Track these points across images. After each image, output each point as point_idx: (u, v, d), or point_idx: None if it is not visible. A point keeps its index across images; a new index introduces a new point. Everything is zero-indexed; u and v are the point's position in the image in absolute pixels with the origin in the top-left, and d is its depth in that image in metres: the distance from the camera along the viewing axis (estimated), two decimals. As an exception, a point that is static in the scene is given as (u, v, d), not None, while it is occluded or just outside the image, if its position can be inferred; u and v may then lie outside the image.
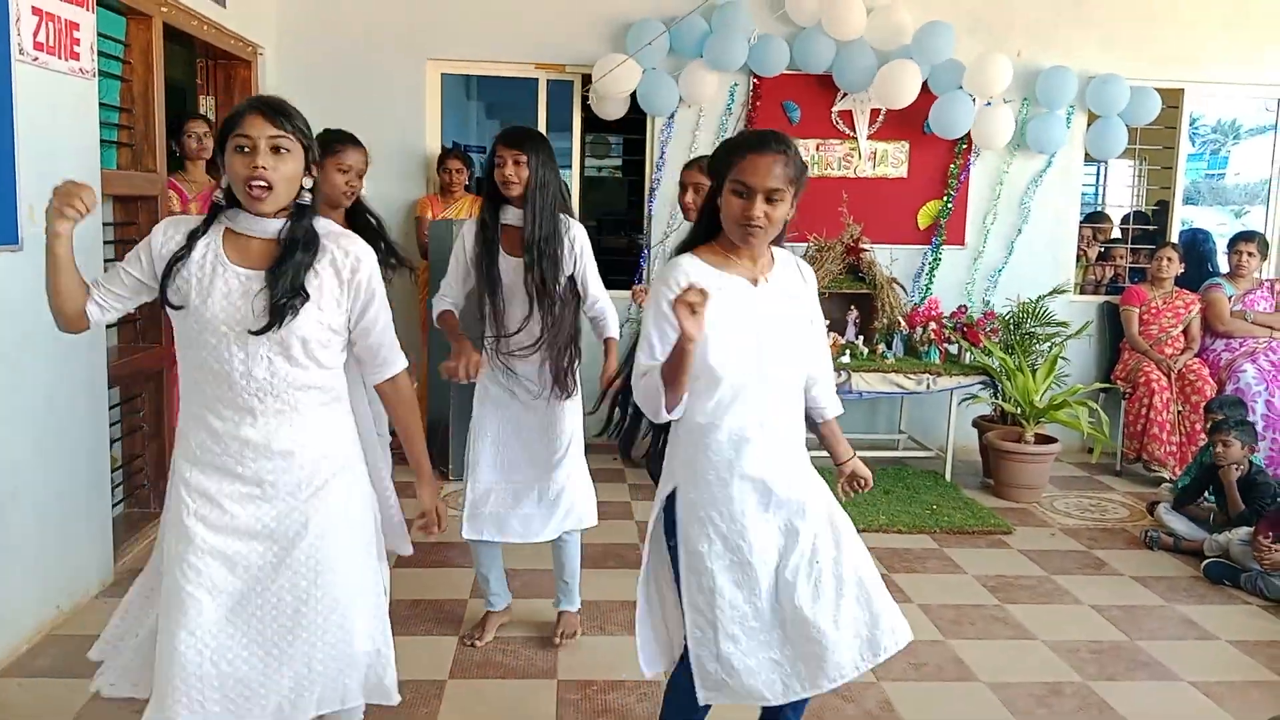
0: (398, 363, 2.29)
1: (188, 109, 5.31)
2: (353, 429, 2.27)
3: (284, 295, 2.04)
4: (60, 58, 3.44)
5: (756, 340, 2.22)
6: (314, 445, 2.15)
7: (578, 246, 3.24)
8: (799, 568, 2.23)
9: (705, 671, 2.24)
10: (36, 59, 3.29)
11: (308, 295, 2.08)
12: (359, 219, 3.36)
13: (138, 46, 4.28)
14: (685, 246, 2.31)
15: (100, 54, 3.81)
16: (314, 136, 2.16)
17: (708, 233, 2.29)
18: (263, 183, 2.03)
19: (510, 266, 3.19)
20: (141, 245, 2.16)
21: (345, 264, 2.15)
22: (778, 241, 2.34)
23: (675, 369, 2.09)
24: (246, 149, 2.03)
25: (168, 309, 2.12)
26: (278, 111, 2.07)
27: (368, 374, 2.29)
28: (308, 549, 2.12)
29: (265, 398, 2.09)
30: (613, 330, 3.41)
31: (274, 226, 2.10)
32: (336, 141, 3.25)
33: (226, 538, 2.10)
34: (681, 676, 2.31)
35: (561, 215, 3.20)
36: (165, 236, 2.13)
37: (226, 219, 2.13)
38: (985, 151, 6.24)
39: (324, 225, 2.18)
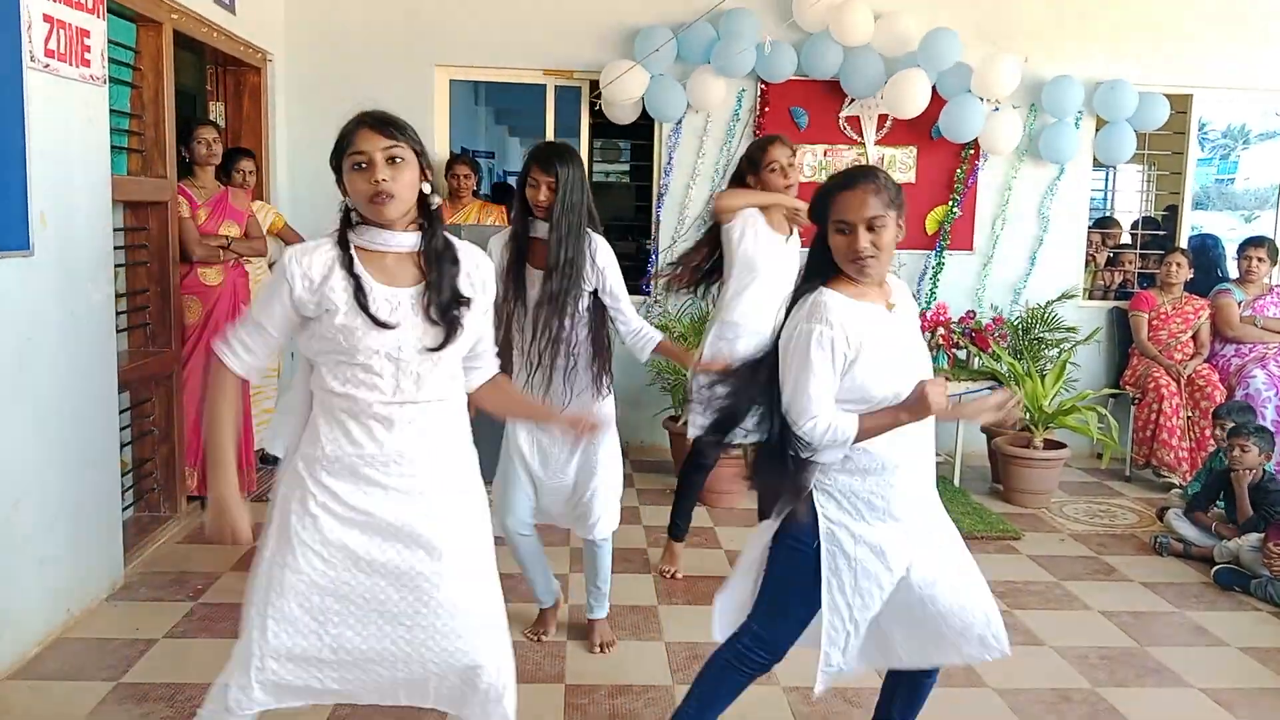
0: (496, 362, 2.38)
1: (197, 115, 5.34)
2: (470, 438, 2.29)
3: (450, 308, 2.10)
4: (71, 64, 3.46)
5: (907, 364, 2.31)
6: (445, 454, 2.19)
7: (599, 261, 3.24)
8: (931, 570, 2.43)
9: (829, 664, 2.46)
10: (48, 66, 3.31)
11: (469, 303, 2.13)
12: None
13: (148, 53, 4.31)
14: (806, 282, 2.35)
15: (111, 61, 3.83)
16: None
17: (818, 270, 2.33)
18: (387, 193, 2.05)
19: (537, 279, 3.22)
20: (274, 287, 2.09)
21: (478, 274, 2.20)
22: None
23: (883, 428, 2.26)
24: (364, 165, 2.06)
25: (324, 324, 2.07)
26: (387, 123, 2.10)
27: (473, 378, 2.32)
28: (436, 555, 2.14)
29: (406, 407, 2.10)
30: (655, 334, 3.41)
31: (410, 240, 2.12)
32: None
33: (353, 533, 2.11)
34: (728, 658, 2.53)
35: (587, 232, 3.21)
36: (303, 267, 2.07)
37: (355, 236, 2.11)
38: (993, 157, 6.24)
39: (450, 236, 2.20)
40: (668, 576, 4.17)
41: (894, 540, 2.38)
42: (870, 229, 2.22)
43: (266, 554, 2.16)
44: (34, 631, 3.34)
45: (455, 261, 2.14)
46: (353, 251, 2.09)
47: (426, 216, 2.15)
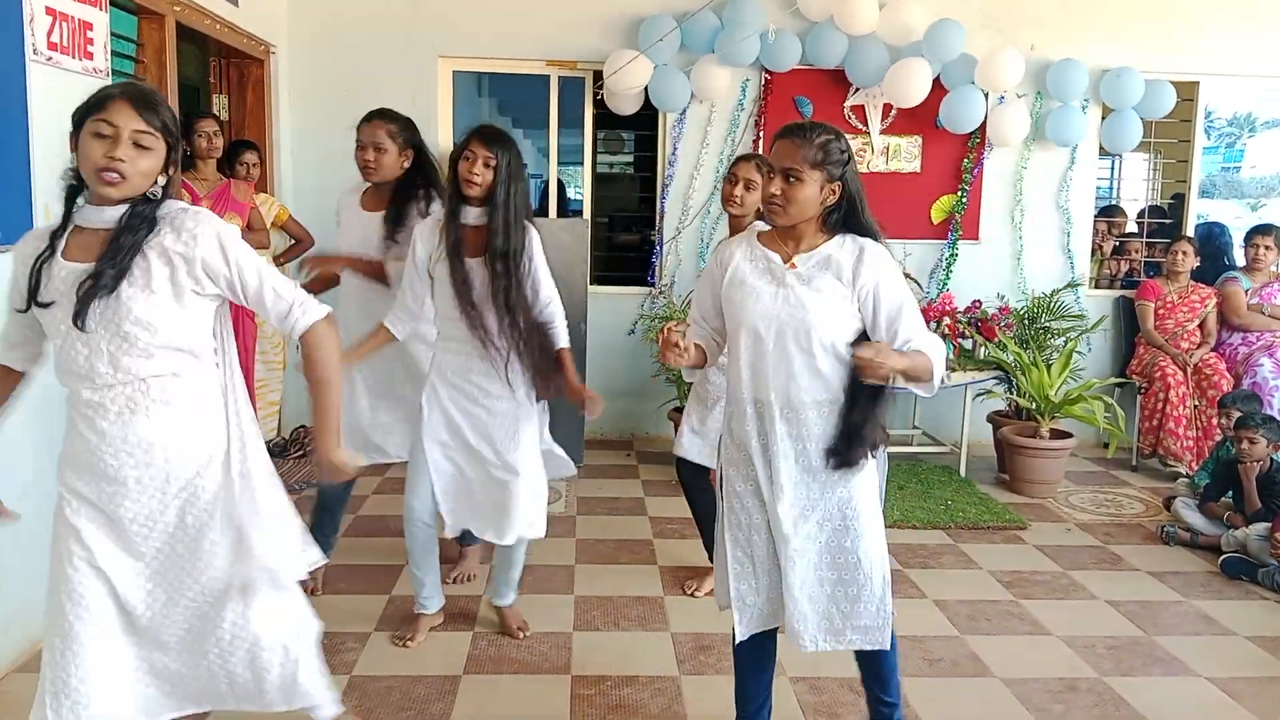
0: (308, 314, 2.19)
1: (200, 108, 5.33)
2: (222, 419, 2.20)
3: (96, 280, 1.99)
4: (74, 57, 3.45)
5: (776, 316, 2.39)
6: (176, 437, 2.12)
7: (529, 250, 3.17)
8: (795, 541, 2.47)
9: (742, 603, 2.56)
10: (50, 59, 3.30)
11: (122, 275, 2.01)
12: (401, 192, 3.56)
13: (151, 46, 4.30)
14: None
15: (114, 53, 3.82)
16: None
17: None
18: (115, 174, 1.99)
19: (475, 268, 3.13)
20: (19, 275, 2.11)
21: (178, 243, 2.06)
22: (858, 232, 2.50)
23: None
24: (107, 135, 1.99)
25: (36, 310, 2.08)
26: (146, 104, 2.02)
27: (282, 329, 2.21)
28: (181, 545, 2.15)
29: (112, 390, 2.07)
30: (563, 340, 3.29)
31: (112, 215, 2.04)
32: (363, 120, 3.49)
33: (103, 536, 2.14)
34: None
35: (525, 224, 3.16)
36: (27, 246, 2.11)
37: (76, 215, 2.09)
38: (999, 146, 6.21)
39: (169, 206, 2.10)
40: (688, 592, 3.96)
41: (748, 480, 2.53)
42: (786, 179, 2.34)
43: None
44: (40, 625, 3.34)
45: (135, 234, 2.03)
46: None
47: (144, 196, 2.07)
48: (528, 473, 3.25)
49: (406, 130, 3.54)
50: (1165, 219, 7.00)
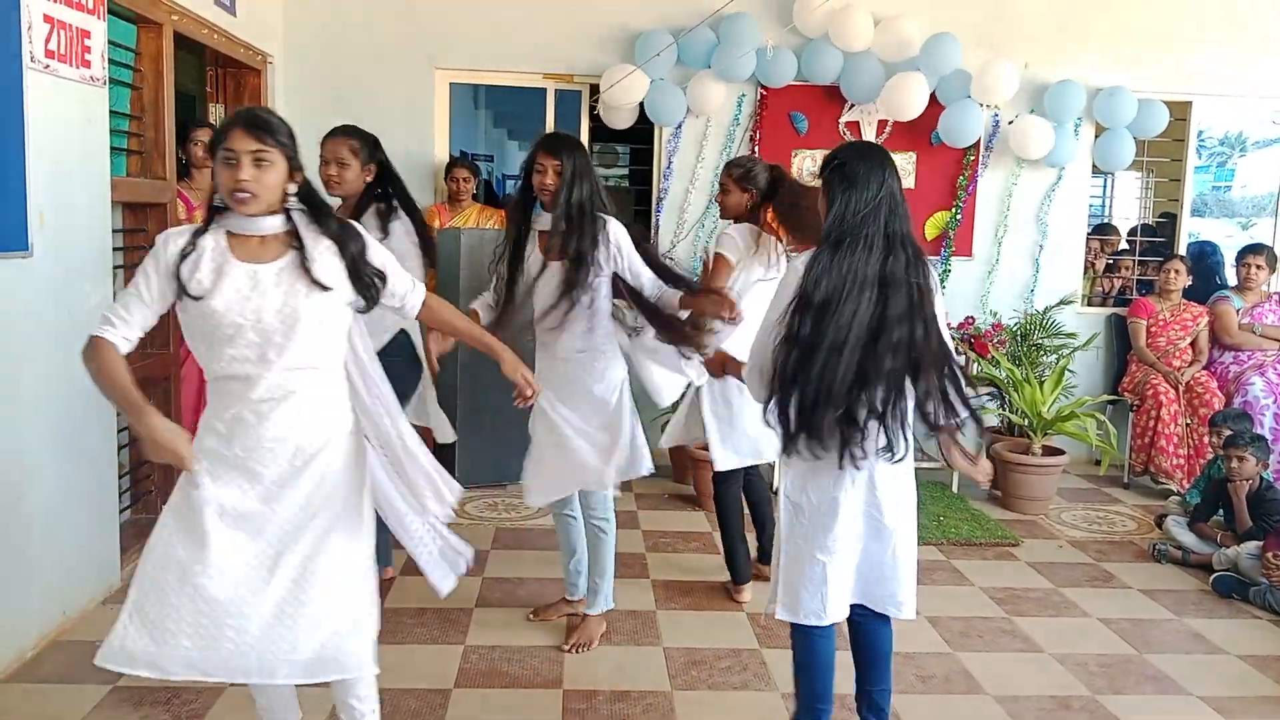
0: (418, 290, 2.56)
1: (197, 117, 5.33)
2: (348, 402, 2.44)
3: (294, 277, 2.27)
4: (71, 65, 3.45)
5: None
6: (311, 420, 2.31)
7: (613, 243, 3.29)
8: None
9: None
10: (48, 67, 3.30)
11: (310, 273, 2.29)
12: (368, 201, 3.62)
13: (148, 54, 4.30)
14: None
15: (111, 62, 3.82)
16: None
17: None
18: (245, 194, 2.23)
19: (538, 262, 3.31)
20: (148, 262, 2.29)
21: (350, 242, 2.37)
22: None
23: None
24: (233, 162, 2.23)
25: (183, 301, 2.26)
26: (257, 126, 2.24)
27: (402, 309, 2.53)
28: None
29: (274, 377, 2.26)
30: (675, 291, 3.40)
31: (269, 224, 2.30)
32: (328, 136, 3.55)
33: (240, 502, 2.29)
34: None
35: (599, 216, 3.27)
36: (172, 244, 2.28)
37: (226, 224, 2.30)
38: (994, 163, 6.24)
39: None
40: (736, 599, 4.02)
41: None
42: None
43: None
44: (30, 634, 3.33)
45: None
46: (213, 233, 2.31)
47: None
48: (625, 429, 3.41)
49: (368, 146, 3.61)
50: (1154, 237, 7.02)
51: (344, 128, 3.61)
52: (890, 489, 2.57)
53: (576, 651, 3.50)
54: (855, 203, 2.45)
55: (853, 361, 2.40)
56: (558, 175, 3.21)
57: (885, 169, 2.49)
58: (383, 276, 2.42)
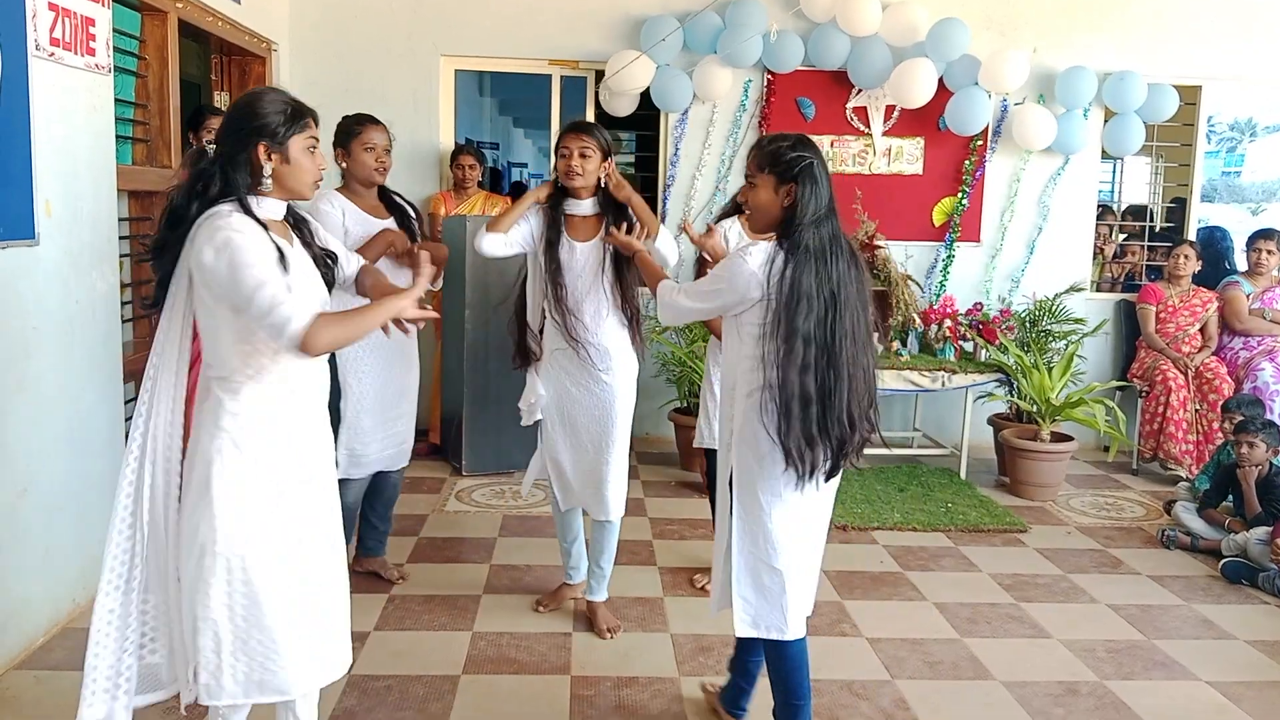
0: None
1: (203, 104, 5.32)
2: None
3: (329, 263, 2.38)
4: (76, 53, 3.44)
5: None
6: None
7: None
8: None
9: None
10: (53, 55, 3.30)
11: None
12: (390, 199, 3.67)
13: (153, 42, 4.29)
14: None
15: (116, 50, 3.81)
16: (299, 117, 2.20)
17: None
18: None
19: (577, 249, 3.34)
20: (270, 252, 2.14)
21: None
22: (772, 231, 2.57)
23: None
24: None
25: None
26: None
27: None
28: None
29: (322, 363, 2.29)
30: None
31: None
32: (356, 123, 3.54)
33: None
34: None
35: None
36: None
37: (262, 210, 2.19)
38: (1002, 148, 6.21)
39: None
40: (699, 586, 4.02)
41: None
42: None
43: None
44: (40, 621, 3.34)
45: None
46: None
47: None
48: (621, 453, 3.46)
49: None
50: (1152, 222, 6.99)
51: (371, 116, 3.66)
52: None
53: (613, 635, 3.53)
54: (820, 202, 2.47)
55: (856, 366, 2.46)
56: (583, 158, 3.24)
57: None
58: (334, 255, 2.40)
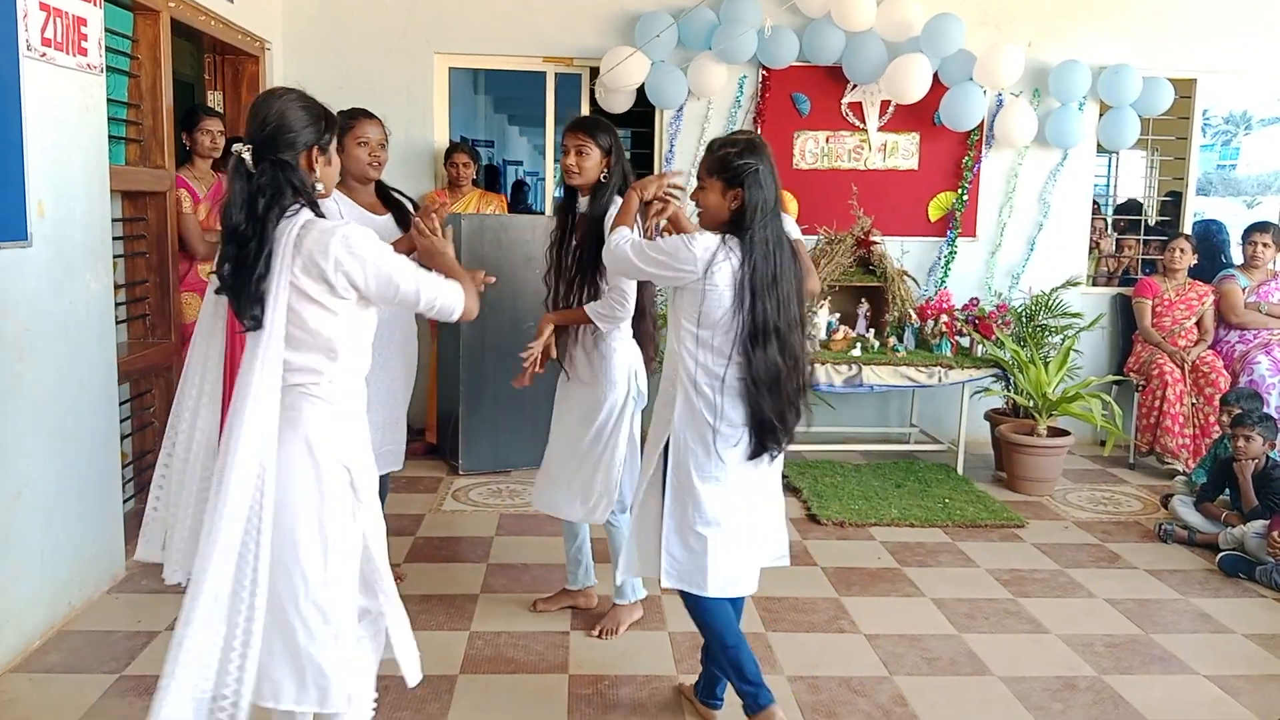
0: None
1: (196, 104, 5.30)
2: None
3: None
4: (68, 53, 3.43)
5: None
6: None
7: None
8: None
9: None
10: (44, 55, 3.28)
11: None
12: (388, 195, 3.63)
13: (145, 42, 4.28)
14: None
15: (108, 49, 3.79)
16: (328, 117, 2.24)
17: None
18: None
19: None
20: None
21: None
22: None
23: None
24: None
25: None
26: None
27: None
28: None
29: None
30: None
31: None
32: (350, 117, 3.45)
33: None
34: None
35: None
36: None
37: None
38: (998, 143, 6.20)
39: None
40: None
41: None
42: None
43: None
44: (35, 624, 3.33)
45: None
46: None
47: None
48: (599, 458, 3.36)
49: None
50: (1134, 216, 6.99)
51: (365, 110, 3.62)
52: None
53: (603, 636, 3.50)
54: (766, 205, 2.60)
55: (792, 355, 2.63)
56: (580, 155, 3.23)
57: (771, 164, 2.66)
58: None
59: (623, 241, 2.78)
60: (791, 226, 3.31)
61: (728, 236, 2.61)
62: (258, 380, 2.06)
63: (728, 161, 2.62)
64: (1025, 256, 6.38)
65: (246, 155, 2.12)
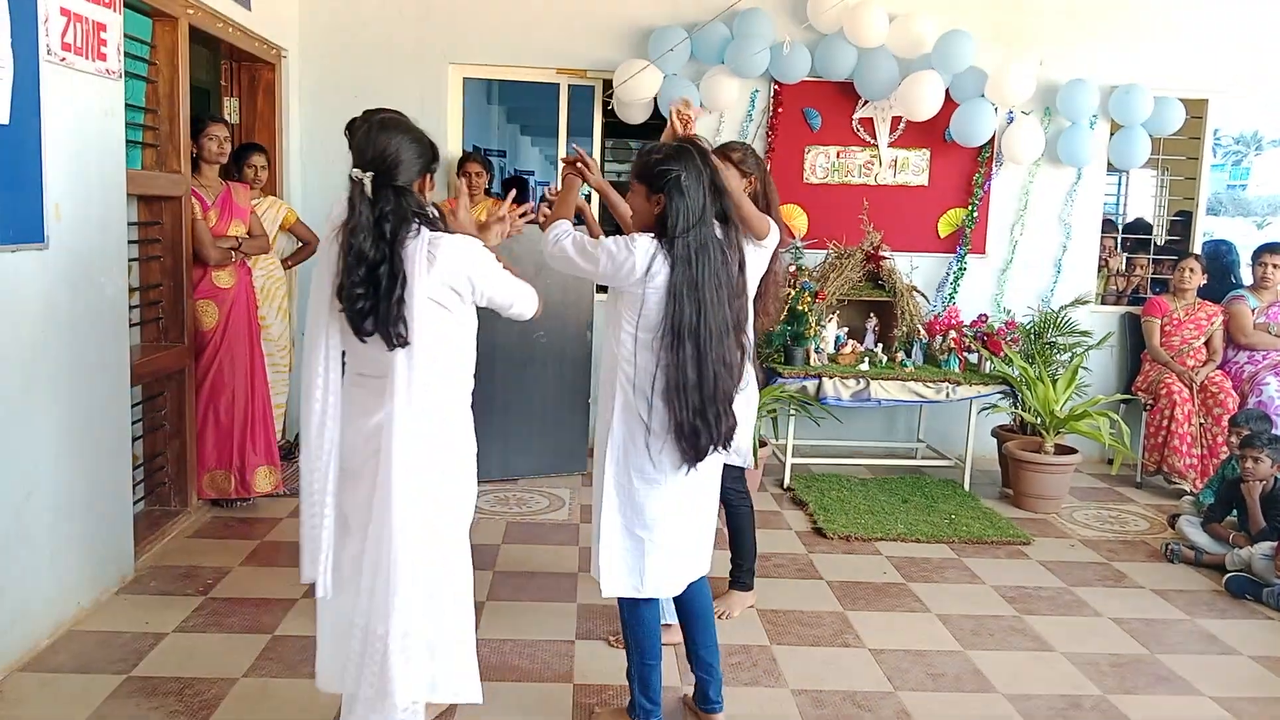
0: None
1: (211, 111, 5.34)
2: None
3: None
4: (87, 58, 3.47)
5: None
6: None
7: None
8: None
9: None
10: (64, 60, 3.32)
11: None
12: None
13: (163, 48, 4.31)
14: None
15: (127, 55, 3.84)
16: (433, 146, 2.42)
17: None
18: None
19: None
20: None
21: None
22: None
23: None
24: None
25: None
26: None
27: None
28: None
29: None
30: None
31: None
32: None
33: None
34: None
35: None
36: None
37: None
38: (1009, 161, 6.21)
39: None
40: (721, 617, 3.69)
41: None
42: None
43: None
44: (44, 624, 3.35)
45: None
46: None
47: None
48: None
49: None
50: (1144, 235, 6.99)
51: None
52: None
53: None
54: (689, 212, 2.61)
55: (720, 362, 2.65)
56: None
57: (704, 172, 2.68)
58: None
59: (563, 236, 2.81)
60: (773, 237, 3.31)
61: (661, 240, 2.65)
62: (408, 389, 2.28)
63: (650, 167, 2.65)
64: (1034, 273, 6.38)
65: (367, 181, 2.26)
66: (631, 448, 2.71)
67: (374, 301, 2.25)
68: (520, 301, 2.54)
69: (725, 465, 3.10)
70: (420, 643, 2.35)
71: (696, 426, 2.63)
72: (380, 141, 2.29)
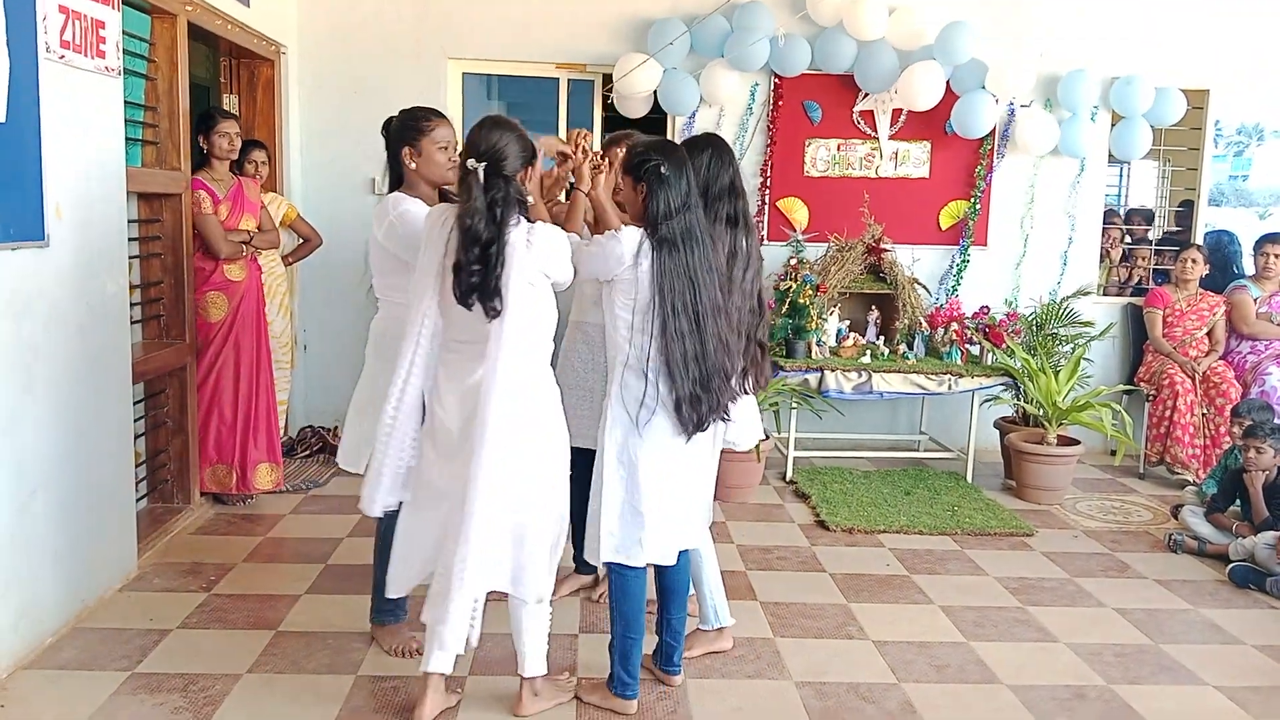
0: None
1: (210, 107, 5.33)
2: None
3: None
4: (86, 56, 3.46)
5: None
6: None
7: None
8: None
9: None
10: (63, 57, 3.31)
11: None
12: (449, 199, 3.47)
13: (162, 45, 4.31)
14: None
15: (125, 52, 3.83)
16: (531, 144, 2.72)
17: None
18: None
19: None
20: None
21: None
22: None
23: None
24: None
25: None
26: None
27: None
28: None
29: None
30: None
31: None
32: (425, 119, 3.15)
33: None
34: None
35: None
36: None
37: None
38: (1010, 152, 6.20)
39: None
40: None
41: None
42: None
43: None
44: (49, 621, 3.35)
45: None
46: None
47: None
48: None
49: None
50: (1146, 226, 6.97)
51: (439, 111, 3.31)
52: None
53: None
54: (672, 200, 2.77)
55: (717, 339, 2.82)
56: None
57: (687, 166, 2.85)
58: None
59: (578, 250, 2.97)
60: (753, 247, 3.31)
61: (646, 229, 2.80)
62: (503, 355, 2.64)
63: (634, 160, 2.83)
64: (1037, 265, 6.37)
65: (481, 170, 2.63)
66: (630, 423, 2.83)
67: (482, 277, 2.60)
68: (565, 282, 2.86)
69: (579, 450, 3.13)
70: (505, 537, 2.74)
71: (698, 395, 2.79)
72: (491, 136, 2.66)
